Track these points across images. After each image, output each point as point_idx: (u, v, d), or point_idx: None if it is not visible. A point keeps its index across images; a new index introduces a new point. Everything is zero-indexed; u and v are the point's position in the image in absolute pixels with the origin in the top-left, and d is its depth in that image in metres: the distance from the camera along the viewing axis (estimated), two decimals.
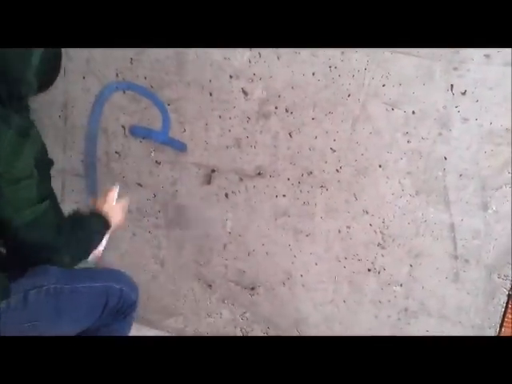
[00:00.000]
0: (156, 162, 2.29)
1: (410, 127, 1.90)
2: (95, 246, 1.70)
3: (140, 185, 2.36)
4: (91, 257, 1.73)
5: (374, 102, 1.91)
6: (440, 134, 1.88)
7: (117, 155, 2.35)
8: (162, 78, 2.15)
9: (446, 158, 1.90)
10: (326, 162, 2.05)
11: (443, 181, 1.93)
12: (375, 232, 2.07)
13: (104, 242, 1.79)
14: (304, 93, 1.98)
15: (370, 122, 1.94)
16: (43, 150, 1.45)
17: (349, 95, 1.93)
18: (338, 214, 2.10)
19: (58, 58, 1.54)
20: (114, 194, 1.84)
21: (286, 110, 2.03)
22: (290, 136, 2.06)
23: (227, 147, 2.16)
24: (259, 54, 1.98)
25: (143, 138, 2.28)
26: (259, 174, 2.15)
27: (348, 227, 2.10)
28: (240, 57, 2.00)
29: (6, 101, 1.37)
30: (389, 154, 1.96)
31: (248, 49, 1.98)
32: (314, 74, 1.94)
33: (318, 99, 1.97)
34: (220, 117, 2.12)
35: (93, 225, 1.68)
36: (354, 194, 2.05)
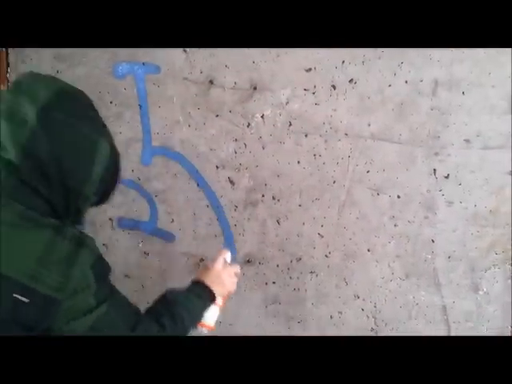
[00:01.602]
0: (144, 252, 2.28)
1: (395, 211, 1.93)
2: (191, 326, 1.55)
3: (128, 276, 2.34)
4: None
5: (359, 188, 1.94)
6: (426, 218, 1.90)
7: (104, 248, 2.34)
8: (148, 170, 2.18)
9: (433, 241, 1.92)
10: (314, 248, 2.06)
11: (432, 263, 1.93)
12: (367, 317, 2.05)
13: (213, 314, 1.63)
14: (290, 180, 2.01)
15: (356, 207, 1.97)
16: (100, 260, 1.39)
17: (334, 182, 1.97)
18: (328, 300, 2.09)
19: (117, 173, 1.45)
20: (222, 258, 1.67)
21: (273, 198, 2.05)
22: (278, 223, 2.07)
23: (216, 236, 2.16)
24: (244, 144, 2.02)
25: (131, 230, 2.28)
26: (248, 261, 2.14)
27: (340, 312, 2.08)
28: (226, 148, 2.04)
29: (62, 213, 1.30)
30: (377, 238, 1.97)
31: (233, 140, 2.02)
32: (299, 162, 1.98)
33: (304, 186, 2.00)
34: (208, 206, 2.13)
35: (187, 301, 1.53)
36: (344, 279, 2.05)
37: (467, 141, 1.80)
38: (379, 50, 1.79)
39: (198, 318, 1.57)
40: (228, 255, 1.68)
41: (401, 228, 1.94)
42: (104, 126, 1.32)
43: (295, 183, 2.01)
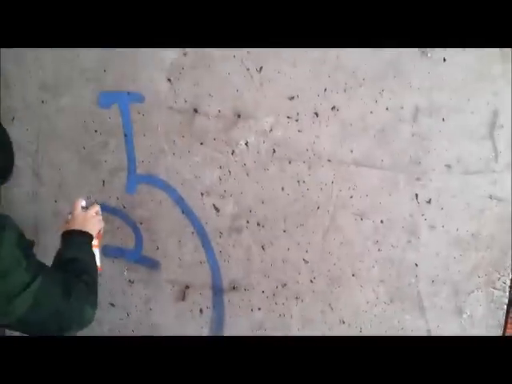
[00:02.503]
0: (129, 281, 2.28)
1: (379, 236, 1.95)
2: (96, 267, 1.62)
3: (113, 305, 2.33)
4: None
5: (342, 213, 1.96)
6: (409, 242, 1.92)
7: None
8: (133, 198, 2.19)
9: (417, 265, 1.93)
10: (299, 274, 2.07)
11: (416, 287, 1.95)
12: None
13: (96, 255, 1.67)
14: (274, 207, 2.03)
15: (340, 233, 1.98)
16: (22, 237, 1.40)
17: (318, 207, 1.98)
18: (314, 325, 2.09)
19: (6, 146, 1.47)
20: (79, 205, 1.72)
21: (258, 224, 2.06)
22: (263, 249, 2.08)
23: (201, 263, 2.16)
24: (229, 171, 2.03)
25: (115, 258, 2.28)
26: (234, 288, 2.14)
27: None
28: (210, 175, 2.06)
29: None
30: (361, 263, 1.99)
31: (218, 167, 2.04)
32: (283, 188, 2.00)
33: (289, 212, 2.02)
34: (193, 233, 2.14)
35: (79, 250, 1.57)
36: (330, 304, 2.06)
37: (448, 166, 1.83)
38: (360, 77, 1.82)
39: (94, 261, 1.62)
40: (83, 202, 1.72)
41: (384, 252, 1.96)
42: None
43: (279, 209, 2.03)
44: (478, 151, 1.80)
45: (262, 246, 2.08)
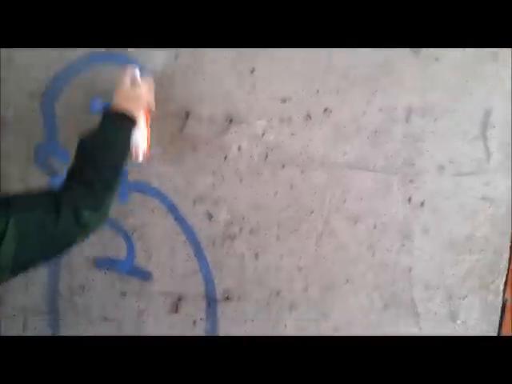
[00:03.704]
0: (121, 293, 2.24)
1: (373, 240, 1.94)
2: (123, 158, 1.49)
3: (105, 318, 2.29)
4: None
5: (336, 218, 1.96)
6: (403, 246, 1.92)
7: (80, 289, 2.29)
8: (125, 206, 2.17)
9: (410, 270, 1.93)
10: (293, 281, 2.05)
11: (410, 292, 1.94)
12: None
13: (142, 134, 1.58)
14: (268, 212, 2.02)
15: (334, 237, 1.98)
16: None
17: (311, 212, 1.98)
18: (308, 334, 2.07)
19: None
20: (128, 75, 1.58)
21: (251, 231, 2.05)
22: (256, 257, 2.06)
23: (194, 273, 2.14)
24: (222, 177, 2.03)
25: (107, 270, 2.25)
26: (227, 298, 2.12)
27: None
28: (203, 181, 2.05)
29: None
30: (355, 268, 1.97)
31: (211, 173, 2.03)
32: (276, 193, 1.99)
33: (282, 218, 2.01)
34: (185, 241, 2.12)
35: (105, 140, 1.46)
36: (323, 313, 2.03)
37: (441, 167, 1.84)
38: (352, 78, 1.84)
39: (124, 150, 1.51)
40: (136, 71, 1.60)
41: (378, 257, 1.95)
42: None
43: (273, 215, 2.02)
44: (470, 152, 1.81)
45: (256, 254, 2.06)
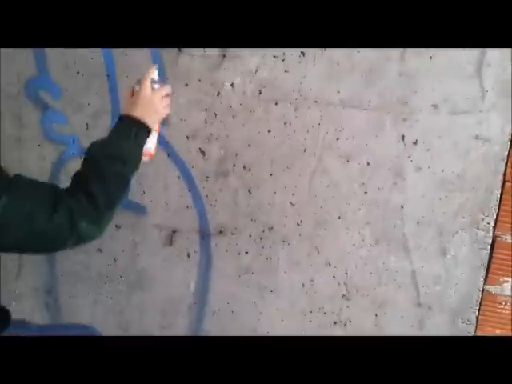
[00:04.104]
0: (116, 226, 2.27)
1: (365, 178, 1.95)
2: (133, 170, 1.45)
3: (100, 250, 2.33)
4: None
5: (329, 156, 1.96)
6: (395, 184, 1.93)
7: None
8: None
9: (402, 207, 1.94)
10: (286, 217, 2.07)
11: (402, 229, 1.96)
12: (339, 284, 2.08)
13: (152, 141, 1.53)
14: (261, 150, 2.02)
15: (326, 175, 1.98)
16: None
17: (305, 150, 1.98)
18: (300, 268, 2.11)
19: None
20: (149, 80, 1.51)
21: (244, 168, 2.05)
22: (250, 193, 2.07)
23: (187, 207, 2.16)
24: (214, 114, 2.01)
25: None
26: (220, 232, 2.15)
27: (312, 280, 2.11)
28: (196, 118, 2.03)
29: None
30: (347, 205, 1.99)
31: (203, 109, 2.01)
32: (269, 131, 1.98)
33: (275, 155, 2.01)
34: (179, 177, 2.13)
35: (118, 150, 1.40)
36: (316, 247, 2.07)
37: (435, 106, 1.82)
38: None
39: (134, 160, 1.46)
40: (155, 74, 1.55)
41: (371, 195, 1.96)
42: None
43: (266, 152, 2.02)
44: (465, 91, 1.79)
45: (249, 190, 2.08)
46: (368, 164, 1.93)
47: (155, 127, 1.54)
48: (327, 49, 1.84)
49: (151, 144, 1.55)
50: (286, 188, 2.04)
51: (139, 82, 1.52)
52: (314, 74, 1.89)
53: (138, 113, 1.46)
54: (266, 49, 1.89)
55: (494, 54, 1.74)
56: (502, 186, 1.86)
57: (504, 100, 1.78)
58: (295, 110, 1.94)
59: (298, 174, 2.01)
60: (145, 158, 1.55)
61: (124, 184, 1.42)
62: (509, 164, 1.83)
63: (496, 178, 1.85)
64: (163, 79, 1.79)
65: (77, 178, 1.40)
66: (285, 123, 1.96)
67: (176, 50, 1.95)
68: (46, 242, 1.29)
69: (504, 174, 1.84)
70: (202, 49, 1.94)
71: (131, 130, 1.44)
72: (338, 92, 1.88)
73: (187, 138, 2.08)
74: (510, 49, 1.72)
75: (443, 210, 1.91)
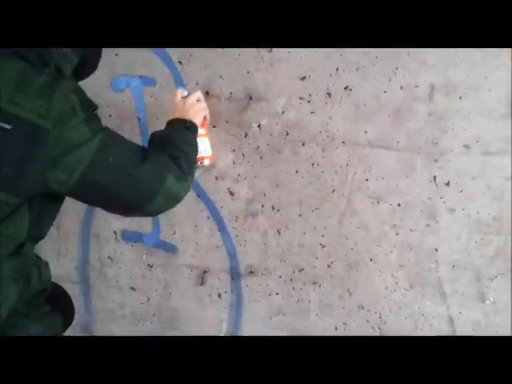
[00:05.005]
0: (148, 265, 2.28)
1: (396, 220, 1.89)
2: (195, 153, 1.57)
3: (133, 289, 2.34)
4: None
5: (358, 196, 1.91)
6: (428, 226, 1.86)
7: (109, 260, 2.34)
8: None
9: (436, 250, 1.87)
10: (316, 258, 2.03)
11: (436, 272, 1.89)
12: (373, 328, 2.02)
13: (205, 143, 1.69)
14: (289, 190, 1.99)
15: (356, 216, 1.93)
16: (83, 92, 1.26)
17: (333, 190, 1.94)
18: (333, 311, 2.06)
19: None
20: (179, 95, 1.70)
21: (273, 208, 2.02)
22: (279, 233, 2.05)
23: (217, 247, 2.15)
24: (242, 154, 2.00)
25: (134, 242, 2.28)
26: (251, 272, 2.12)
27: (344, 324, 2.05)
28: (224, 158, 2.03)
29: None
30: (379, 248, 1.93)
31: (231, 150, 2.01)
32: (297, 171, 1.96)
33: (303, 196, 1.98)
34: (208, 217, 2.12)
35: (179, 134, 1.52)
36: (348, 290, 2.01)
37: (466, 146, 1.75)
38: (373, 55, 1.75)
39: (195, 146, 1.57)
40: (184, 91, 1.73)
41: (403, 237, 1.90)
42: None
43: (294, 193, 1.99)
44: (497, 130, 1.72)
45: (278, 231, 2.05)
46: (399, 205, 1.87)
47: (201, 130, 1.69)
48: (353, 89, 1.81)
49: (205, 147, 1.71)
50: (316, 229, 1.99)
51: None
52: (340, 115, 1.85)
53: (179, 116, 1.62)
54: (292, 90, 1.87)
55: None
56: None
57: None
58: (322, 150, 1.91)
59: (327, 215, 1.97)
60: (206, 162, 1.74)
61: (192, 160, 1.52)
62: None
63: None
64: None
65: (153, 145, 1.48)
66: (312, 164, 1.93)
67: (204, 93, 1.95)
68: (137, 188, 1.31)
69: None
70: (228, 92, 1.94)
71: (183, 122, 1.58)
72: (366, 132, 1.84)
73: (216, 178, 2.07)
74: None
75: (480, 253, 1.83)
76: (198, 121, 1.65)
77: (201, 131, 1.65)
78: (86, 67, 1.41)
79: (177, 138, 1.50)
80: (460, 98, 1.72)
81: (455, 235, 1.85)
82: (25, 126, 1.13)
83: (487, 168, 1.76)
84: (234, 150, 2.01)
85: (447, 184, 1.81)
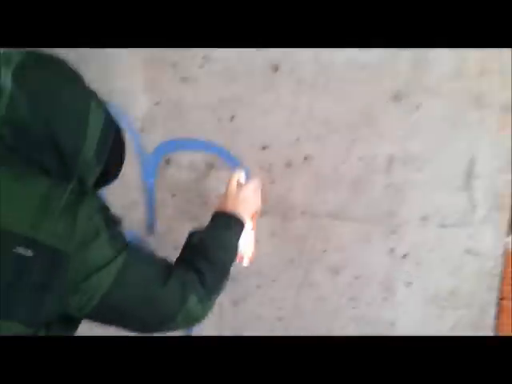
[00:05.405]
0: None
1: (354, 292, 1.88)
2: (230, 262, 1.45)
3: None
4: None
5: (317, 268, 1.91)
6: (385, 299, 1.86)
7: None
8: None
9: (393, 324, 1.86)
10: (273, 332, 1.99)
11: None
12: None
13: (249, 240, 1.56)
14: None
15: (314, 288, 1.92)
16: (107, 208, 1.20)
17: (292, 262, 1.93)
18: None
19: (118, 136, 1.32)
20: (234, 180, 1.57)
21: (231, 279, 1.99)
22: (235, 305, 2.01)
23: None
24: (201, 224, 1.98)
25: None
26: None
27: None
28: (181, 227, 2.00)
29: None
30: (335, 321, 1.91)
31: (190, 219, 1.99)
32: (256, 241, 1.94)
33: (262, 267, 1.96)
34: None
35: (216, 238, 1.41)
36: None
37: (424, 218, 1.78)
38: (333, 126, 1.79)
39: (234, 251, 1.46)
40: (241, 175, 1.60)
41: (360, 310, 1.89)
42: (90, 88, 1.22)
43: (253, 263, 1.96)
44: (454, 203, 1.75)
45: (234, 302, 2.01)
46: (356, 278, 1.87)
47: (249, 224, 1.57)
48: (313, 161, 1.84)
49: (248, 244, 1.60)
50: (273, 301, 1.97)
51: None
52: (300, 185, 1.87)
53: (229, 208, 1.50)
54: (253, 160, 1.90)
55: (483, 166, 1.70)
56: (498, 304, 1.78)
57: (495, 213, 1.74)
58: (282, 221, 1.91)
59: (285, 287, 1.94)
60: (244, 262, 1.61)
61: (225, 270, 1.43)
62: (504, 281, 1.76)
63: (491, 295, 1.78)
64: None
65: (182, 257, 1.41)
66: (272, 234, 1.93)
67: (164, 162, 1.95)
68: (157, 310, 1.24)
69: (500, 291, 1.77)
70: (189, 161, 1.95)
71: (229, 220, 1.47)
72: (325, 203, 1.86)
73: (174, 248, 2.03)
74: (497, 163, 1.70)
75: (437, 327, 1.83)
76: (247, 215, 1.54)
77: (247, 225, 1.54)
78: (108, 176, 1.37)
79: (212, 245, 1.41)
80: (418, 169, 1.75)
81: (412, 309, 1.84)
82: (46, 252, 1.07)
83: (444, 240, 1.78)
84: (193, 219, 1.99)
85: (404, 257, 1.82)
